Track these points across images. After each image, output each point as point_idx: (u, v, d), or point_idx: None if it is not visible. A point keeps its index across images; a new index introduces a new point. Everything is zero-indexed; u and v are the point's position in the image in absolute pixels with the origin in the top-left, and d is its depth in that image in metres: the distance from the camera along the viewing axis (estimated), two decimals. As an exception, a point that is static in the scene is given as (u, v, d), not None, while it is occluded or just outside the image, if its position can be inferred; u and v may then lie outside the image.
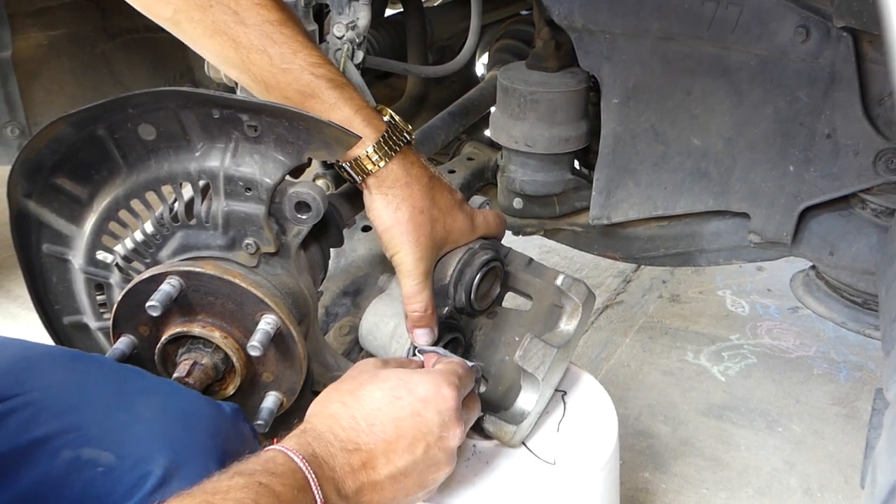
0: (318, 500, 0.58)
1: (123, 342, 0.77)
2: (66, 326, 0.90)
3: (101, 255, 0.83)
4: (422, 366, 0.80)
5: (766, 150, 0.95)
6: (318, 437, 0.63)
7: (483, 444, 0.86)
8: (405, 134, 0.80)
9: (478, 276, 0.86)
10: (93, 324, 0.88)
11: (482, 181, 1.26)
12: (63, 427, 0.61)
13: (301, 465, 0.59)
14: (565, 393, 0.94)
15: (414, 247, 0.80)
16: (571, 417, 0.90)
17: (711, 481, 1.32)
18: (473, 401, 0.77)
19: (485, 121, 1.24)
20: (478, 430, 0.85)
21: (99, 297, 0.86)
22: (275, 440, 0.66)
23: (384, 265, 0.98)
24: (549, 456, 0.84)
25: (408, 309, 0.82)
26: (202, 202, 0.77)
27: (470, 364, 0.79)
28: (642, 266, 2.08)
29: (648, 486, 1.32)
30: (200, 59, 0.87)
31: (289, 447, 0.60)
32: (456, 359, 0.80)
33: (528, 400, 0.84)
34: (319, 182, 1.17)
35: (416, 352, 0.82)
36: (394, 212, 0.79)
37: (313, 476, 0.59)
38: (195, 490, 0.53)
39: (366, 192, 0.80)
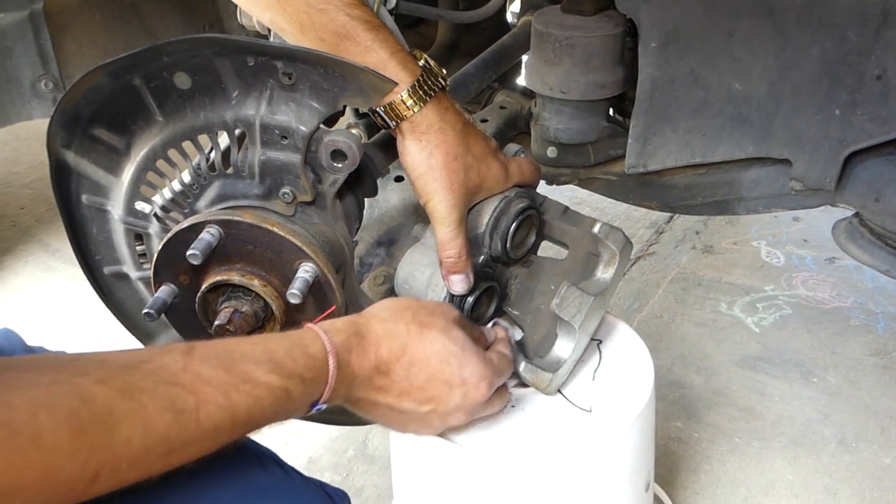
0: (324, 399, 0.61)
1: (164, 291, 0.78)
2: (106, 276, 0.91)
3: (139, 206, 0.83)
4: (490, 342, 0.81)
5: (812, 94, 0.92)
6: (364, 344, 0.66)
7: (520, 391, 0.86)
8: (440, 79, 0.79)
9: (514, 224, 0.86)
10: (133, 273, 0.89)
11: (515, 130, 1.24)
12: None
13: (332, 369, 0.61)
14: (601, 342, 0.94)
15: (447, 193, 0.79)
16: (607, 366, 0.90)
17: (744, 431, 1.32)
18: (499, 396, 0.79)
19: (517, 69, 1.22)
20: (515, 377, 0.85)
21: (139, 248, 0.87)
22: (333, 307, 0.72)
23: (418, 215, 0.98)
24: (586, 404, 0.85)
25: (442, 256, 0.82)
26: (238, 151, 0.77)
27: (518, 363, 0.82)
28: (675, 217, 2.06)
29: (681, 436, 1.32)
30: (230, 8, 0.87)
31: (332, 343, 0.62)
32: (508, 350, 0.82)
33: (564, 348, 0.84)
34: (353, 131, 1.16)
35: (493, 324, 0.84)
36: (427, 158, 0.78)
37: (333, 381, 0.61)
38: (231, 360, 0.55)
39: (399, 139, 0.80)
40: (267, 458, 0.66)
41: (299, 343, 0.61)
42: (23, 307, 1.87)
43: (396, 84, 0.73)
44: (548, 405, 0.85)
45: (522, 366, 0.83)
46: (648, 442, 0.89)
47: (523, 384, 0.86)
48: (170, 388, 0.50)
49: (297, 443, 1.36)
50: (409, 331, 0.68)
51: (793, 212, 2.08)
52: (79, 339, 1.56)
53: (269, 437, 1.31)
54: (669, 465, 1.25)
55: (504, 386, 0.81)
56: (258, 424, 0.57)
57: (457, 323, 0.72)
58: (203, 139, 0.78)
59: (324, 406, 0.62)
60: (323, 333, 0.62)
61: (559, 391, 0.86)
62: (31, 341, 0.70)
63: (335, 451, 1.35)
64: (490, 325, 0.84)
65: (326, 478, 1.26)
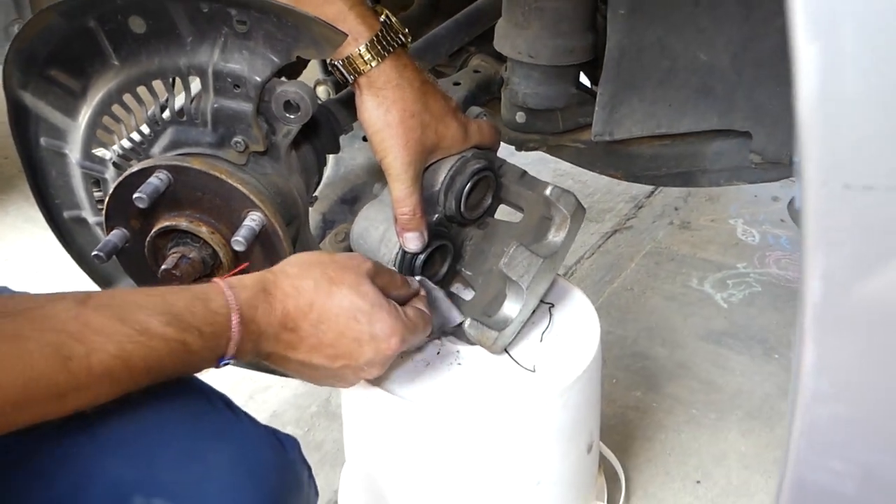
0: (230, 354, 0.62)
1: (116, 235, 0.79)
2: (66, 220, 0.92)
3: (97, 152, 0.84)
4: (411, 294, 0.81)
5: (772, 67, 0.92)
6: (271, 300, 0.66)
7: (467, 350, 0.88)
8: (400, 35, 0.79)
9: (468, 184, 0.86)
10: (91, 218, 0.90)
11: (488, 94, 1.23)
12: (136, 471, 0.58)
13: (234, 325, 0.61)
14: (553, 305, 0.95)
15: (403, 150, 0.80)
16: (557, 329, 0.92)
17: (702, 403, 1.34)
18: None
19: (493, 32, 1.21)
20: (461, 335, 0.87)
21: (97, 193, 0.88)
22: (245, 264, 0.71)
23: (382, 174, 0.99)
24: (531, 364, 0.86)
25: (397, 212, 0.83)
26: (192, 100, 0.77)
27: (458, 320, 0.84)
28: (656, 192, 2.06)
29: (639, 405, 1.34)
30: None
31: (236, 299, 0.62)
32: (443, 301, 0.83)
33: (511, 308, 0.85)
34: (320, 89, 1.16)
35: (419, 281, 0.84)
36: (384, 114, 0.79)
37: (237, 335, 0.62)
38: (126, 310, 0.56)
39: (357, 93, 0.80)
40: (217, 400, 0.67)
41: (202, 297, 0.61)
42: (3, 256, 1.89)
43: (346, 36, 0.73)
44: (494, 364, 0.86)
45: (468, 322, 0.84)
46: (592, 403, 0.91)
47: (472, 343, 0.87)
48: (57, 335, 0.51)
49: (261, 397, 1.38)
50: (318, 287, 0.68)
51: (772, 191, 2.09)
52: (58, 286, 1.56)
53: (235, 390, 1.33)
54: (625, 432, 1.27)
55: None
56: (160, 374, 0.57)
57: (368, 276, 0.72)
58: (158, 85, 0.78)
59: (231, 361, 0.63)
60: (227, 289, 0.63)
61: (506, 350, 0.87)
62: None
63: (298, 406, 1.37)
64: (417, 279, 0.84)
65: (289, 431, 1.28)
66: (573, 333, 0.91)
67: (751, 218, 1.94)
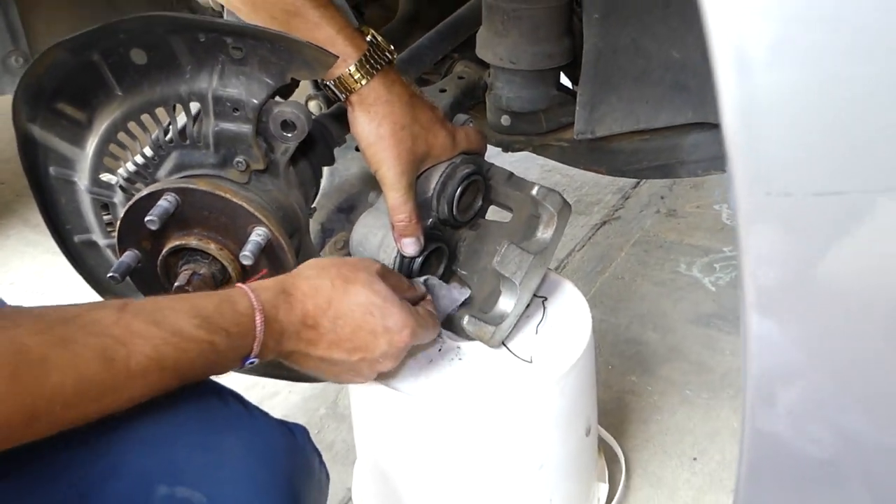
0: (254, 353, 0.67)
1: (128, 256, 0.83)
2: (77, 245, 0.96)
3: (105, 177, 0.88)
4: (418, 297, 0.86)
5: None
6: (291, 301, 0.71)
7: (467, 345, 0.92)
8: (387, 53, 0.84)
9: (459, 188, 0.91)
10: (101, 241, 0.94)
11: (473, 99, 1.28)
12: (159, 462, 0.62)
13: (258, 324, 0.66)
14: (545, 299, 1.00)
15: (396, 161, 0.84)
16: (550, 321, 0.97)
17: (695, 383, 1.39)
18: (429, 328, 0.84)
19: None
20: (461, 332, 0.91)
21: (105, 217, 0.92)
22: (264, 271, 0.75)
23: (376, 183, 1.03)
24: (527, 355, 0.91)
25: (394, 220, 0.88)
26: (194, 124, 0.81)
27: (464, 296, 0.90)
28: (641, 183, 2.11)
29: (635, 389, 1.39)
30: (194, -14, 0.91)
31: (259, 300, 0.67)
32: (442, 286, 0.88)
33: (506, 303, 0.90)
34: (311, 104, 1.21)
35: (426, 283, 0.89)
36: (376, 128, 0.83)
37: (261, 335, 0.66)
38: (161, 315, 0.60)
39: (350, 110, 0.85)
40: (228, 395, 0.71)
41: (227, 300, 0.66)
42: (5, 280, 1.92)
43: (337, 57, 0.77)
44: (492, 357, 0.91)
45: (466, 319, 0.89)
46: (587, 389, 0.96)
47: (470, 338, 0.92)
48: (102, 340, 0.55)
49: (271, 403, 1.43)
50: (334, 286, 0.73)
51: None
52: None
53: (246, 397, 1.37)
54: (622, 416, 1.33)
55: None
56: (188, 374, 0.62)
57: (379, 275, 0.78)
58: (161, 112, 0.83)
59: (255, 360, 0.67)
60: (250, 291, 0.68)
61: (503, 344, 0.92)
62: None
63: (307, 409, 1.42)
64: (422, 280, 0.89)
65: (298, 434, 1.33)
66: (566, 324, 0.96)
67: (734, 202, 1.99)
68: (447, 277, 0.98)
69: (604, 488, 1.11)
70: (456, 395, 0.87)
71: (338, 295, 0.73)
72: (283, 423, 0.71)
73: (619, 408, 1.34)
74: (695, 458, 1.24)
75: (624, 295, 1.66)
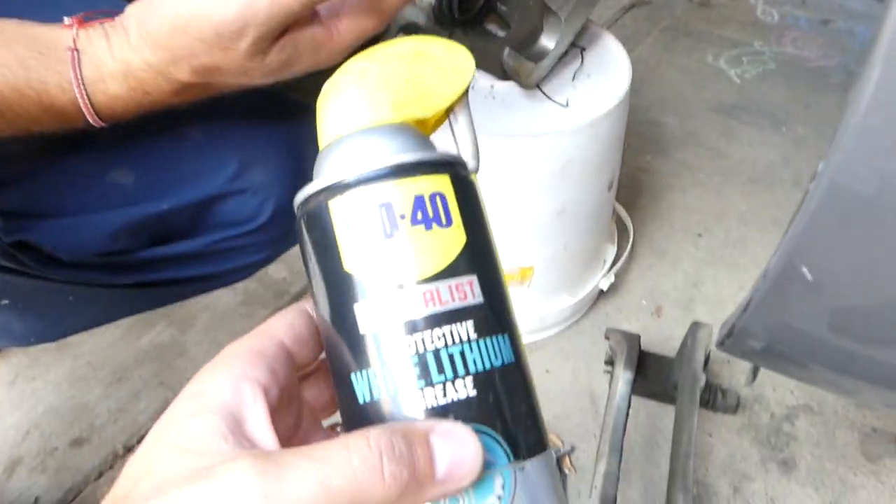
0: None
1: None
2: None
3: None
4: None
5: None
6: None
7: (501, 85, 0.90)
8: None
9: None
10: None
11: None
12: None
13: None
14: (584, 49, 0.96)
15: None
16: (587, 70, 0.94)
17: (709, 167, 1.40)
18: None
19: None
20: (496, 70, 0.89)
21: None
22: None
23: None
24: (563, 99, 0.89)
25: None
26: None
27: None
28: (676, -32, 1.99)
29: (649, 167, 1.40)
30: None
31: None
32: None
33: (548, 39, 0.86)
34: None
35: None
36: None
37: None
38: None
39: None
40: None
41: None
42: None
43: None
44: (526, 98, 0.89)
45: (507, 52, 0.86)
46: (616, 143, 0.95)
47: (506, 77, 0.89)
48: None
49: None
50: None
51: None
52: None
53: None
54: (634, 191, 1.34)
55: None
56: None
57: None
58: None
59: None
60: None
61: (538, 87, 0.90)
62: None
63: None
64: None
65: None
66: (604, 74, 0.93)
67: (772, -3, 1.89)
68: (486, 15, 0.93)
69: (612, 250, 1.14)
70: (488, 133, 0.86)
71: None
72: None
73: (632, 184, 1.35)
74: (699, 235, 1.27)
75: (647, 78, 1.62)
